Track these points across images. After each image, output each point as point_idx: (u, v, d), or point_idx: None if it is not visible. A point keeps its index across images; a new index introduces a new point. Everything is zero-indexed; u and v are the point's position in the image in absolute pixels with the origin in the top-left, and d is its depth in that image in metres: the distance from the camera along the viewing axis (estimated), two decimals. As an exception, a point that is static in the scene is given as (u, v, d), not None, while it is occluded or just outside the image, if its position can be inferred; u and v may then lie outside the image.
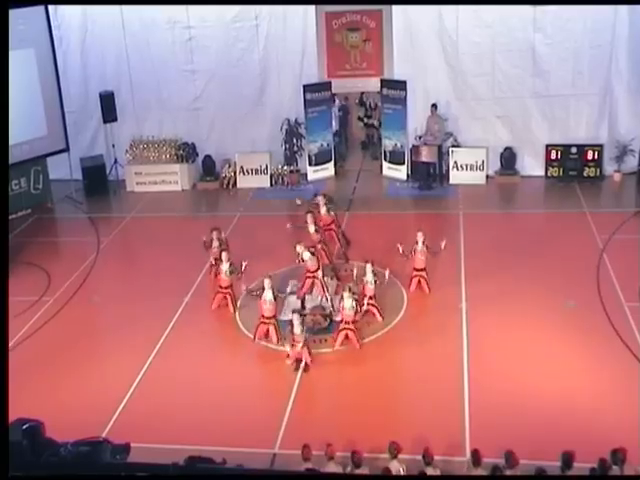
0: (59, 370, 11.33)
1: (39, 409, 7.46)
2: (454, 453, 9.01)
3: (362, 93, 20.19)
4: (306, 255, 12.39)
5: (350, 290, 11.53)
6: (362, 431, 9.44)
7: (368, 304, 11.89)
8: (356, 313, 11.46)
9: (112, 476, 4.34)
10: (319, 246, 13.12)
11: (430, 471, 8.23)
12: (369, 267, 12.01)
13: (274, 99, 18.30)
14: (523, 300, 12.22)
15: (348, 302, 11.40)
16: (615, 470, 7.79)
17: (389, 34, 17.64)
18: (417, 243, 12.57)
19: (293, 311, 11.59)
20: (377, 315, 12.04)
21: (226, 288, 12.59)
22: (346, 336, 11.51)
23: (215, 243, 13.25)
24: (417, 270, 12.75)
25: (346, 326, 11.45)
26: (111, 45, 18.37)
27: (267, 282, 11.58)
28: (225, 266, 12.46)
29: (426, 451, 8.39)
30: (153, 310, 12.78)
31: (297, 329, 10.98)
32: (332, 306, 12.30)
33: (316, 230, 13.27)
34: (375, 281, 11.94)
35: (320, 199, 14.18)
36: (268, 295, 11.54)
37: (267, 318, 11.63)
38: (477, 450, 8.26)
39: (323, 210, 14.00)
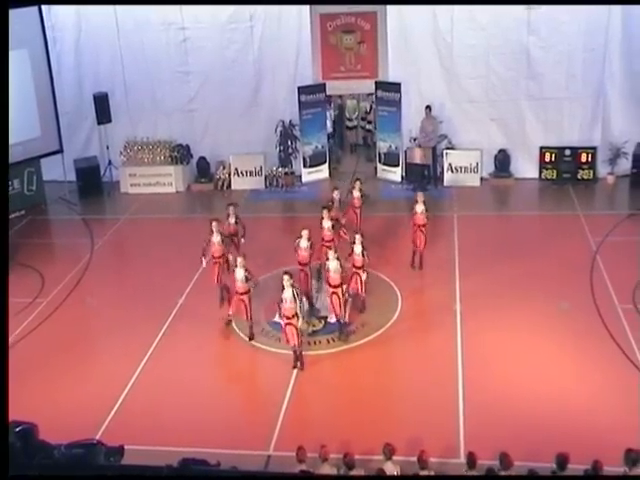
0: (53, 372, 11.30)
1: (33, 411, 7.45)
2: (449, 455, 9.03)
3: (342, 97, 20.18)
4: (303, 243, 12.30)
5: (336, 251, 11.54)
6: (357, 432, 9.45)
7: (355, 272, 11.90)
8: (342, 277, 11.48)
9: (106, 477, 4.34)
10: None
11: (425, 474, 8.21)
12: (359, 238, 12.00)
13: (269, 101, 18.29)
14: (517, 302, 12.24)
15: (333, 264, 11.42)
16: (611, 472, 7.76)
17: (384, 36, 17.67)
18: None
19: (284, 272, 11.10)
20: (360, 288, 11.99)
21: (219, 257, 12.63)
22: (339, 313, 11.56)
23: (232, 219, 13.45)
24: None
25: (333, 290, 11.50)
26: (105, 46, 18.31)
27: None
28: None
29: (421, 454, 8.37)
30: (147, 312, 12.76)
31: (287, 294, 10.66)
32: (311, 304, 12.36)
33: (333, 226, 13.24)
34: (364, 254, 11.81)
35: (357, 184, 14.37)
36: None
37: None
38: (472, 453, 8.26)
39: (356, 194, 14.23)
